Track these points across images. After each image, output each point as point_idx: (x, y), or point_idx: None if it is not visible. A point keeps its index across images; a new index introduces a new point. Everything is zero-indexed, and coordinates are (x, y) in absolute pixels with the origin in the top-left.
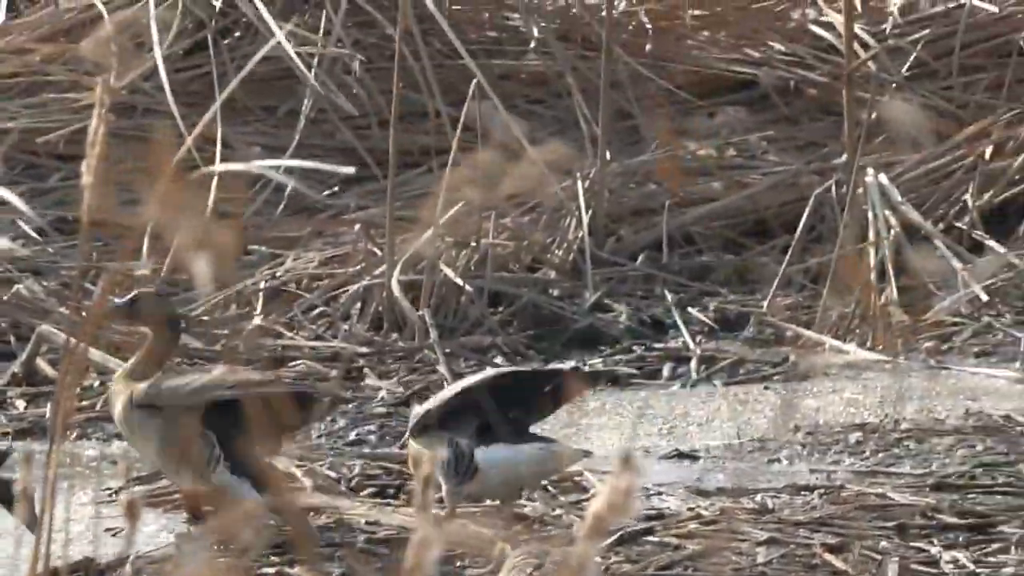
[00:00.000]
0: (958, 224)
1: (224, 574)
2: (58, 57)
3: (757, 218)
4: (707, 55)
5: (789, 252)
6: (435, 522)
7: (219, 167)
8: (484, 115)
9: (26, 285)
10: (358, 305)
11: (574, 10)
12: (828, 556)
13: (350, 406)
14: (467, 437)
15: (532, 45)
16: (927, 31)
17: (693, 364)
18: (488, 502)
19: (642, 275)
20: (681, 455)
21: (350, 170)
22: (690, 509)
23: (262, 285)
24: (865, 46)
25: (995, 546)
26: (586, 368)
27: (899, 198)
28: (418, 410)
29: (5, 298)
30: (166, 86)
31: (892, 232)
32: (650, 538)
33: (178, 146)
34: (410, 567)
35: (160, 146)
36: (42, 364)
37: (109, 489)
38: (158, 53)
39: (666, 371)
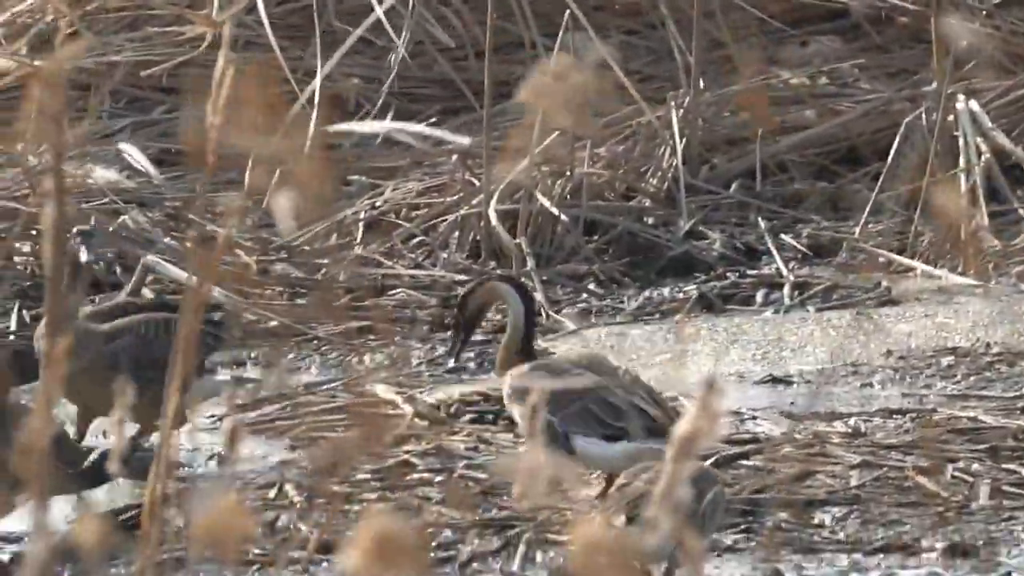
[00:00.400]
0: None
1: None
2: None
3: (849, 145)
4: None
5: (881, 179)
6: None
7: (346, 125)
8: (579, 46)
9: (131, 216)
10: (456, 234)
11: None
12: (920, 479)
13: (448, 333)
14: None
15: None
16: None
17: (786, 290)
18: None
19: (736, 203)
20: (775, 380)
21: (466, 141)
22: (784, 433)
23: (362, 215)
24: None
25: None
26: None
27: (989, 124)
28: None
29: (111, 229)
30: (264, 20)
31: (983, 158)
32: (744, 462)
33: (279, 78)
34: (519, 494)
35: (262, 78)
36: (148, 294)
37: (212, 416)
38: None
39: (759, 297)
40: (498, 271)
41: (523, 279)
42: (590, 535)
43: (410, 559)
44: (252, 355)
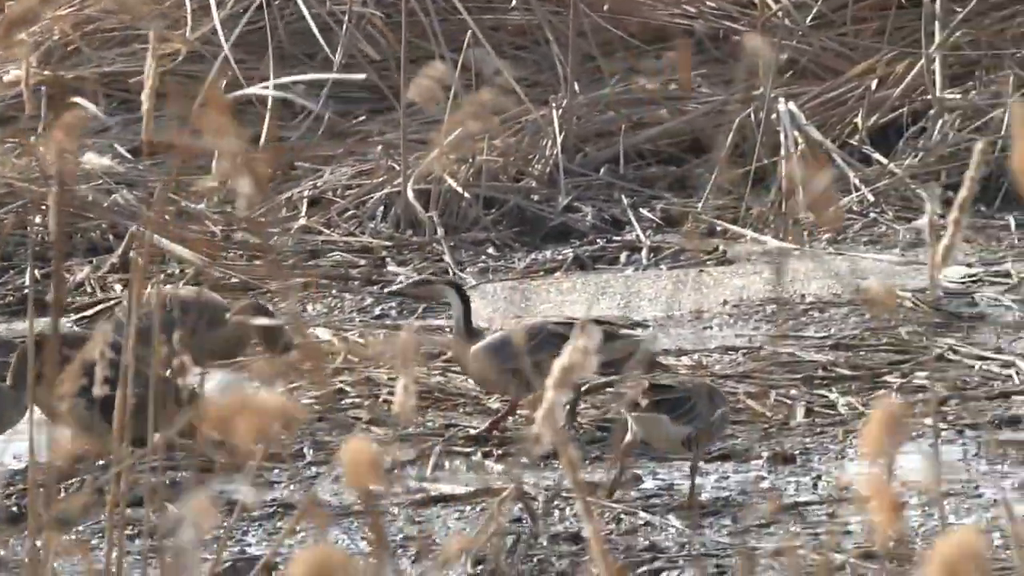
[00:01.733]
0: (851, 141)
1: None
2: (147, 15)
3: (694, 137)
4: (654, 10)
5: (718, 165)
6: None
7: (251, 90)
8: (478, 59)
9: (121, 195)
10: (381, 208)
11: None
12: (750, 402)
13: (375, 287)
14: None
15: (513, 3)
16: None
17: (644, 253)
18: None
19: (604, 183)
20: (634, 324)
21: (360, 77)
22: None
23: (306, 193)
24: (777, 0)
25: (880, 392)
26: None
27: (804, 121)
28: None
29: (105, 204)
30: (222, 39)
31: (799, 147)
32: (609, 389)
33: (236, 85)
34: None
35: (215, 83)
36: (134, 256)
37: None
38: (215, 15)
39: (623, 258)
40: (438, 276)
41: (455, 276)
42: None
43: (377, 473)
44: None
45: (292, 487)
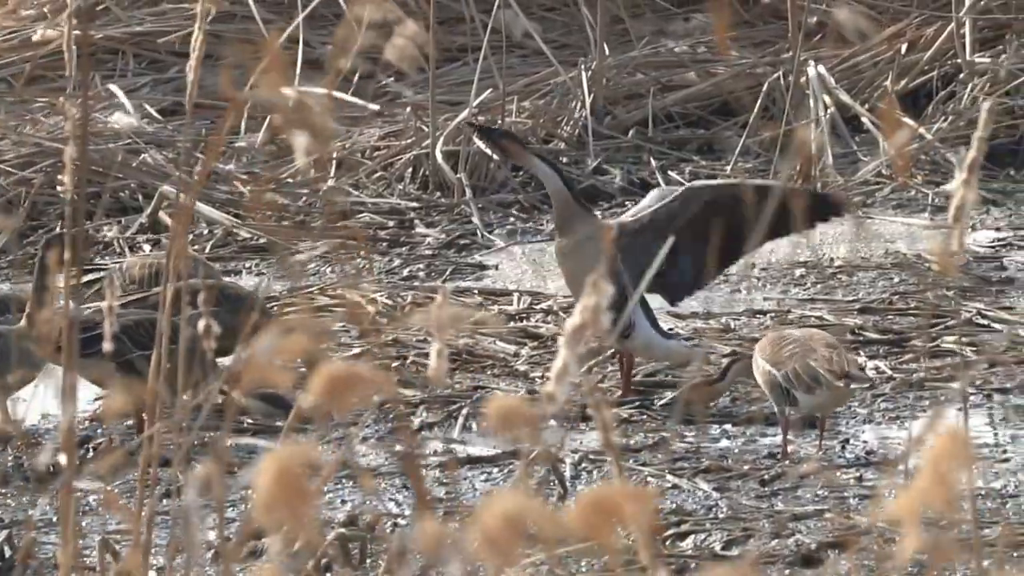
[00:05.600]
0: (880, 105)
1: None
2: None
3: (722, 101)
4: None
5: (747, 127)
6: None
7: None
8: (508, 21)
9: (150, 155)
10: (409, 170)
11: None
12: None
13: (403, 249)
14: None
15: None
16: None
17: None
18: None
19: (632, 145)
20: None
21: (375, 107)
22: (670, 328)
23: (334, 155)
24: None
25: (907, 356)
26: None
27: (833, 84)
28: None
29: (134, 164)
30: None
31: (828, 111)
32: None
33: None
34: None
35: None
36: (163, 216)
37: None
38: None
39: None
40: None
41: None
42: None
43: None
44: (247, 266)
45: (321, 448)
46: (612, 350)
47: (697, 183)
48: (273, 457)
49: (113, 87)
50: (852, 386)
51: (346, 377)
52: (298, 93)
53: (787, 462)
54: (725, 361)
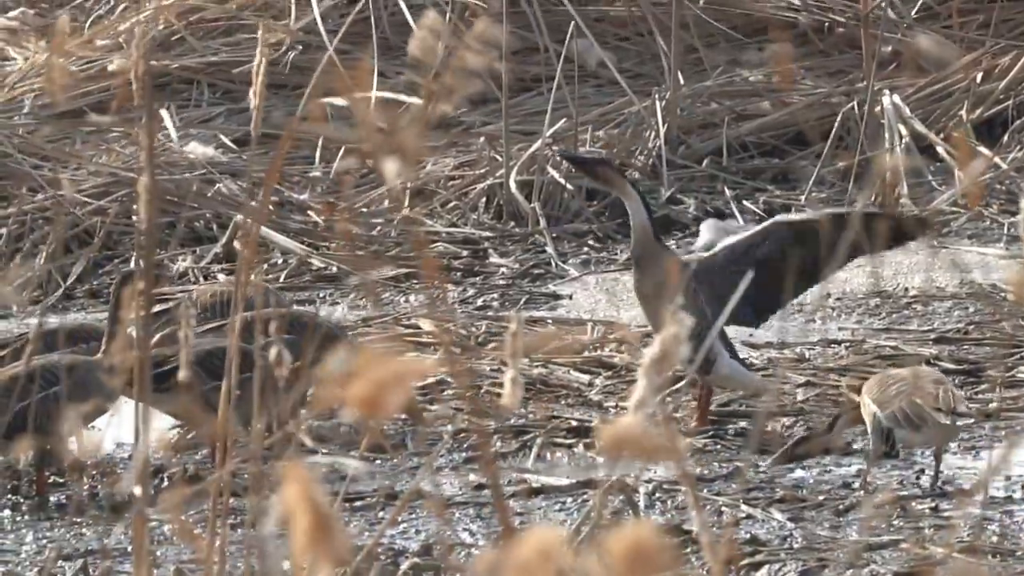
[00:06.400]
0: (955, 134)
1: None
2: (249, 5)
3: (797, 130)
4: (757, 2)
5: (822, 157)
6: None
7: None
8: (582, 50)
9: (225, 184)
10: (483, 199)
11: None
12: (853, 396)
13: (477, 279)
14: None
15: None
16: None
17: None
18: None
19: (707, 175)
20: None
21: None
22: (743, 358)
23: (409, 184)
24: None
25: (983, 386)
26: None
27: (908, 113)
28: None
29: (209, 194)
30: (322, 30)
31: (903, 141)
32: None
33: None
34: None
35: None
36: (238, 246)
37: None
38: (315, 5)
39: None
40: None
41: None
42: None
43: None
44: (321, 296)
45: (394, 477)
46: (689, 380)
47: (782, 217)
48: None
49: (164, 112)
50: (959, 423)
51: (383, 382)
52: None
53: (862, 492)
54: (831, 414)
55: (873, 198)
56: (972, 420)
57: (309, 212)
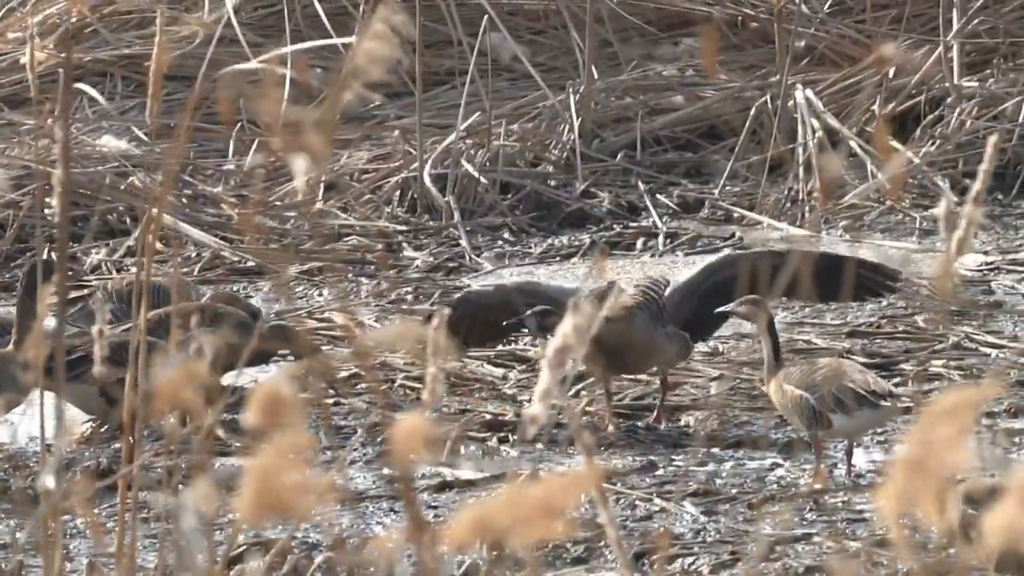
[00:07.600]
0: (868, 129)
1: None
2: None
3: (710, 124)
4: None
5: (735, 151)
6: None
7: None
8: (496, 43)
9: (138, 177)
10: (398, 193)
11: None
12: (764, 388)
13: (391, 272)
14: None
15: None
16: None
17: (660, 239)
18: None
19: (621, 169)
20: None
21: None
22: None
23: (322, 177)
24: None
25: (896, 380)
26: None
27: (821, 108)
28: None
29: (122, 187)
30: (235, 23)
31: (816, 135)
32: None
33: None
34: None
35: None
36: (143, 237)
37: None
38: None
39: (639, 245)
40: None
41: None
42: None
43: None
44: (234, 289)
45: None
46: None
47: (734, 253)
48: (255, 466)
49: (83, 86)
50: (895, 406)
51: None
52: (298, 114)
53: (819, 485)
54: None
55: (787, 192)
56: (908, 404)
57: (222, 205)
